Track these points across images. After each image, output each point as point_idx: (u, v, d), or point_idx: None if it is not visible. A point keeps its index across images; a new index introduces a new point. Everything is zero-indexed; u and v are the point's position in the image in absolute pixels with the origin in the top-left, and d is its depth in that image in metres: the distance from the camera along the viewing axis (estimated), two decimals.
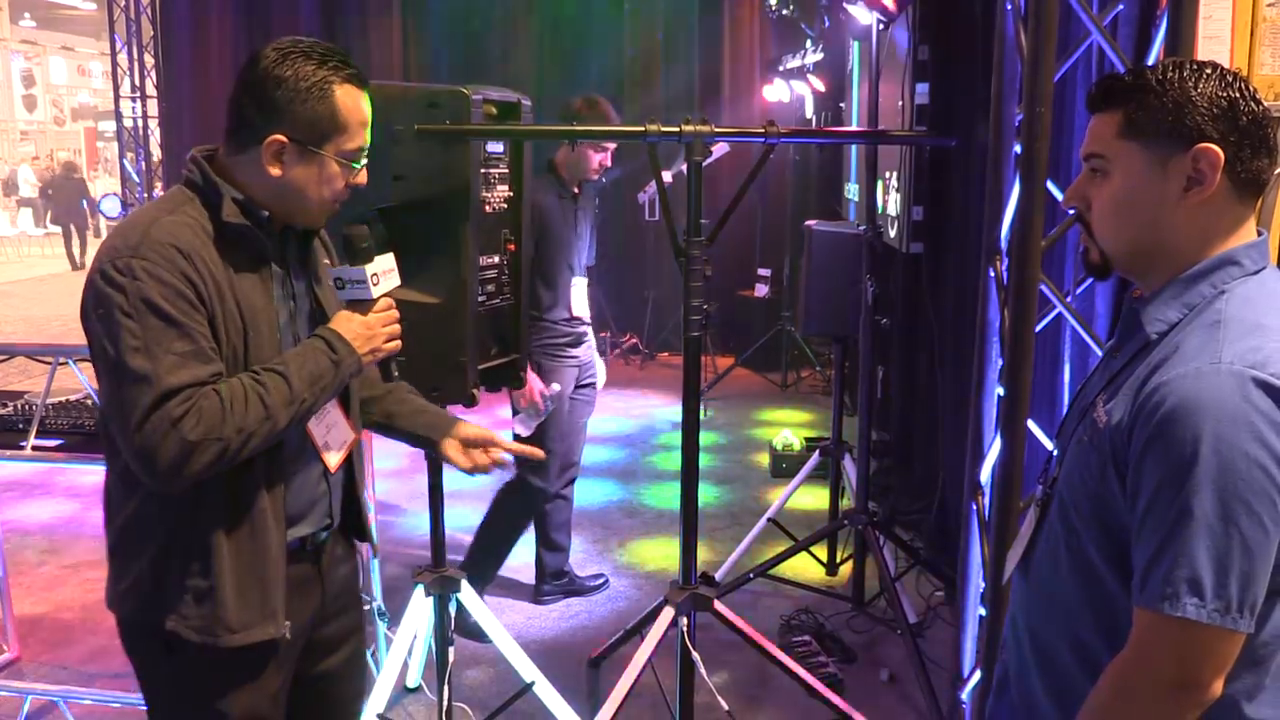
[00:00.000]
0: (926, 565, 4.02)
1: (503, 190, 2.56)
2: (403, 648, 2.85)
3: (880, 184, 4.60)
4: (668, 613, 2.64)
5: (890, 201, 4.58)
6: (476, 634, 3.23)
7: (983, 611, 2.39)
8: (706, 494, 5.17)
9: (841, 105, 6.64)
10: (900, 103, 4.28)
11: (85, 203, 15.88)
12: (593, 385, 3.88)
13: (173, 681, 1.75)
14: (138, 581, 1.68)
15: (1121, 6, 2.35)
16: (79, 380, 2.96)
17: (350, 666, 2.00)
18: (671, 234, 2.46)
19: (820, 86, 6.81)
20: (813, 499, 4.89)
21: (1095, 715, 1.27)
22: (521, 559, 4.04)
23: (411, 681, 3.37)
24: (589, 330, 3.85)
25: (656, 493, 5.35)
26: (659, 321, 8.49)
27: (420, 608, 2.78)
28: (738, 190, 2.52)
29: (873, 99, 4.03)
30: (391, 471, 5.47)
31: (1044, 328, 2.36)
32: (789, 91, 7.33)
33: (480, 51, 8.68)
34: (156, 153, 9.88)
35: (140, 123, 9.68)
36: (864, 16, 4.27)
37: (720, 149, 6.45)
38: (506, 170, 2.57)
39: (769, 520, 4.25)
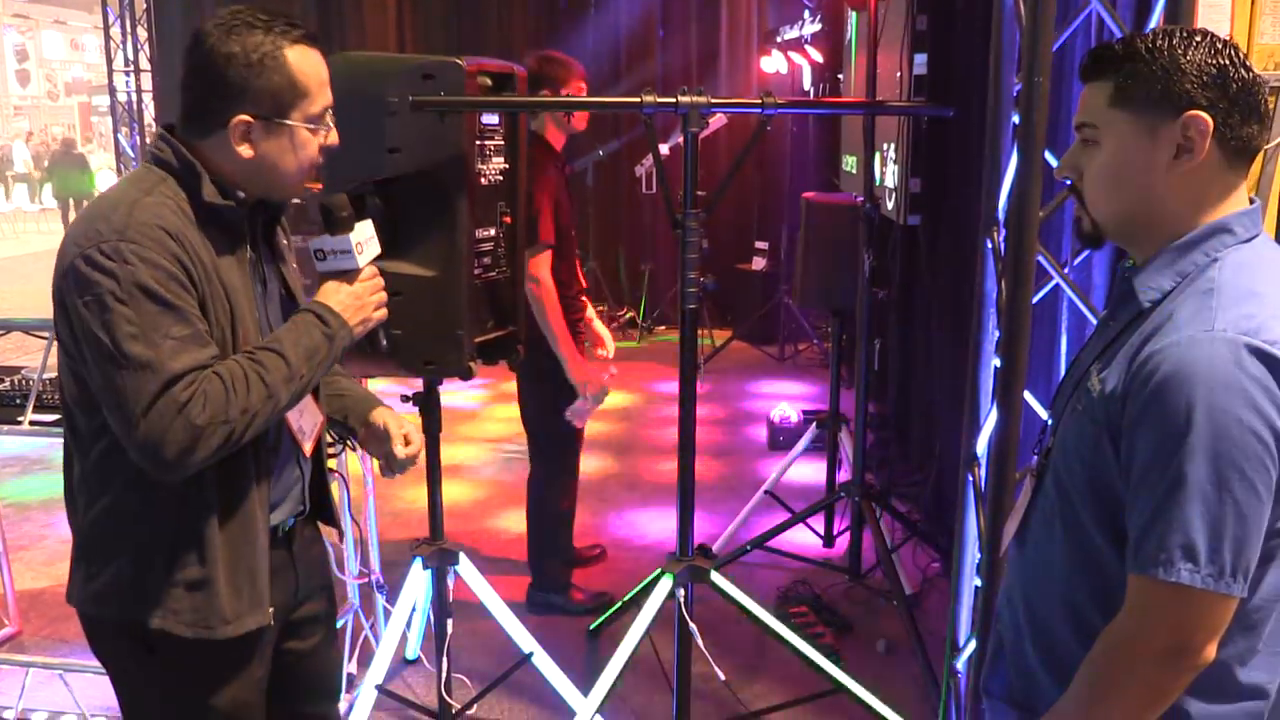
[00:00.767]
0: (923, 537, 4.05)
1: (498, 162, 2.54)
2: (401, 620, 2.87)
3: (878, 156, 4.59)
4: (665, 584, 2.65)
5: (888, 173, 4.57)
6: None
7: (978, 582, 2.39)
8: (704, 466, 5.18)
9: (840, 77, 6.61)
10: (899, 73, 4.26)
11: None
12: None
13: (157, 681, 1.70)
14: (116, 580, 1.62)
15: None
16: None
17: (324, 644, 1.97)
18: (668, 205, 2.45)
19: (818, 58, 6.77)
20: (810, 471, 4.90)
21: (1090, 681, 1.28)
22: (518, 531, 4.05)
23: (410, 653, 3.40)
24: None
25: (653, 465, 5.37)
26: (656, 295, 8.48)
27: (418, 580, 2.79)
28: (734, 162, 2.50)
29: (871, 70, 4.01)
30: None
31: (1041, 299, 2.35)
32: (786, 63, 7.28)
33: (476, 22, 8.63)
34: (151, 127, 9.81)
35: (134, 97, 9.59)
36: None
37: (717, 120, 6.41)
38: (502, 142, 2.55)
39: (766, 492, 4.27)
